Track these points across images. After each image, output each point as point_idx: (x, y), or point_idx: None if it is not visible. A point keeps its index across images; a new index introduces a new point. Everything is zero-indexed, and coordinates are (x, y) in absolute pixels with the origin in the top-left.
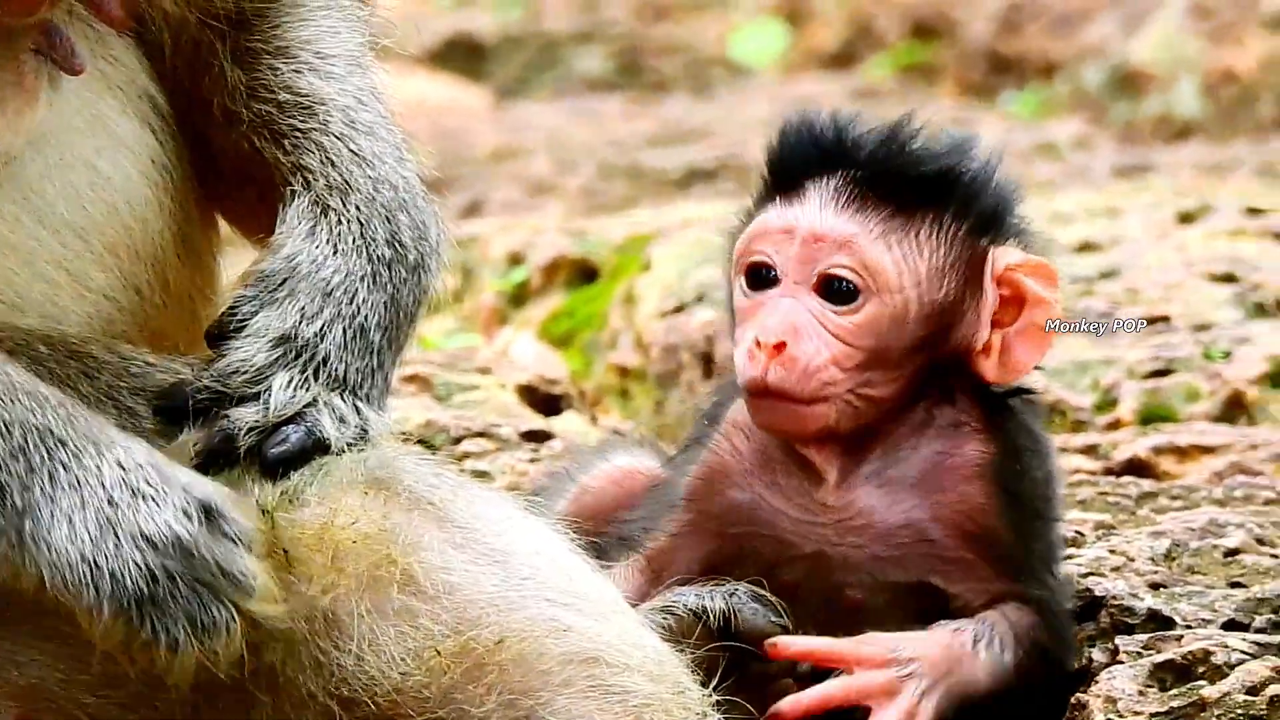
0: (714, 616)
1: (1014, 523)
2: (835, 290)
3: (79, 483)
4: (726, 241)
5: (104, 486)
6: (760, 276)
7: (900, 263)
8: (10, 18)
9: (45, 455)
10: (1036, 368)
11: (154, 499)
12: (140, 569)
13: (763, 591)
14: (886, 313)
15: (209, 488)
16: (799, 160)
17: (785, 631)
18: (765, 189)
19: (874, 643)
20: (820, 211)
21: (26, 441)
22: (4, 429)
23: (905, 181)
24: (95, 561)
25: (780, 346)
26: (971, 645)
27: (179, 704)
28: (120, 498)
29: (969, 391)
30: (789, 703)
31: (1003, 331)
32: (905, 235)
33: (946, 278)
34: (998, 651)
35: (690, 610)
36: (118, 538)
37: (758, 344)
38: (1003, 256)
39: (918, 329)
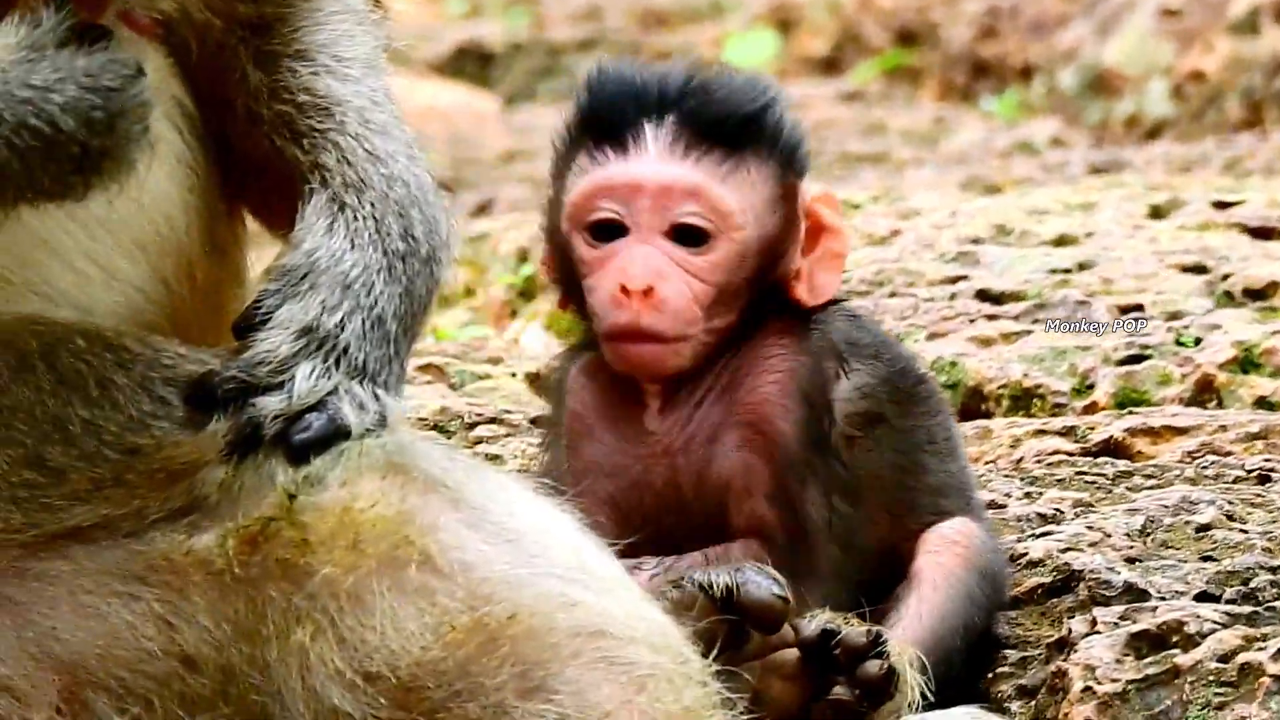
0: (718, 589)
1: (803, 430)
2: (688, 234)
3: None
4: (551, 190)
5: None
6: (607, 230)
7: (742, 201)
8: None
9: None
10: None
11: None
12: None
13: (766, 566)
14: (735, 250)
15: None
16: (620, 109)
17: (785, 603)
18: (585, 137)
19: None
20: (661, 163)
21: None
22: None
23: (730, 123)
24: None
25: (649, 291)
26: None
27: (209, 680)
28: None
29: (777, 310)
30: None
31: (807, 259)
32: (740, 175)
33: (774, 211)
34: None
35: (696, 583)
36: None
37: (624, 290)
38: (808, 190)
39: (755, 262)
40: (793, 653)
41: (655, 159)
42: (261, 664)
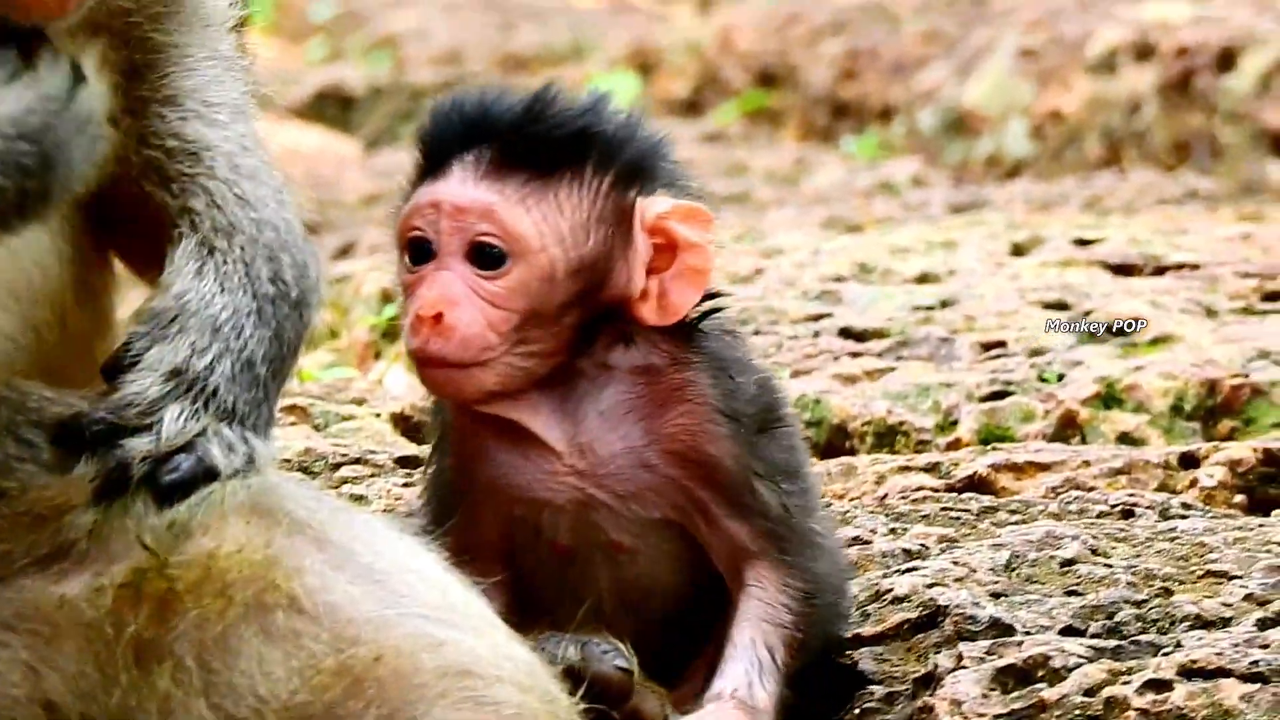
0: (563, 662)
1: (733, 445)
2: (484, 257)
3: None
4: (390, 221)
5: None
6: (419, 251)
7: (540, 224)
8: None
9: None
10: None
11: None
12: None
13: (614, 641)
14: (534, 274)
15: None
16: (444, 137)
17: (629, 675)
18: (418, 168)
19: None
20: (461, 184)
21: None
22: None
23: (540, 145)
24: None
25: (438, 317)
26: (748, 696)
27: None
28: None
29: (653, 330)
30: None
31: (659, 277)
32: (544, 197)
33: (592, 233)
34: (770, 672)
35: (546, 654)
36: None
37: (419, 317)
38: (651, 206)
39: (569, 285)
40: None
41: (458, 180)
42: (126, 712)
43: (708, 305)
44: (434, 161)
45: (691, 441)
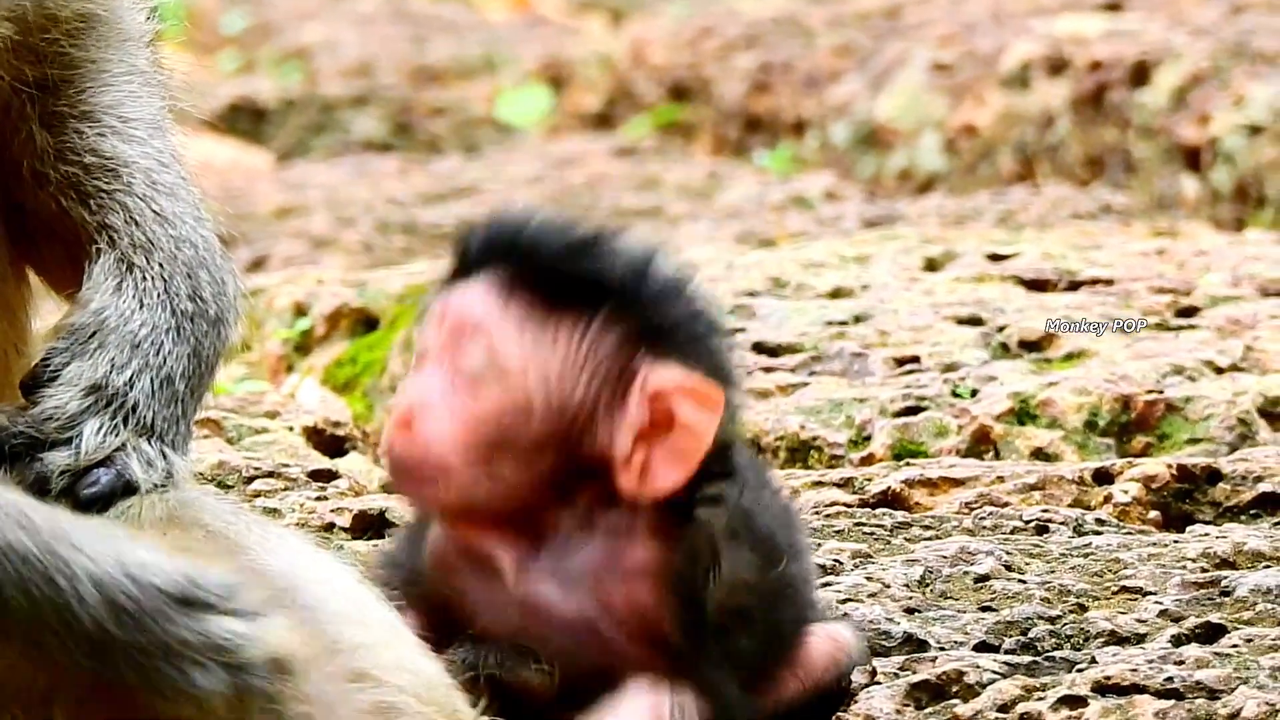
0: (484, 670)
1: (687, 627)
2: (468, 372)
3: None
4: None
5: None
6: (421, 352)
7: (528, 356)
8: None
9: None
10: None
11: None
12: None
13: (527, 645)
14: (509, 403)
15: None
16: (474, 249)
17: (549, 677)
18: (448, 273)
19: None
20: (468, 296)
21: None
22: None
23: (556, 276)
24: None
25: (408, 421)
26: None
27: None
28: None
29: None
30: None
31: (648, 447)
32: (542, 330)
33: (582, 380)
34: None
35: (464, 663)
36: None
37: (393, 419)
38: (656, 375)
39: (544, 426)
40: None
41: (468, 293)
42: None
43: (711, 486)
44: (460, 268)
45: (644, 616)
